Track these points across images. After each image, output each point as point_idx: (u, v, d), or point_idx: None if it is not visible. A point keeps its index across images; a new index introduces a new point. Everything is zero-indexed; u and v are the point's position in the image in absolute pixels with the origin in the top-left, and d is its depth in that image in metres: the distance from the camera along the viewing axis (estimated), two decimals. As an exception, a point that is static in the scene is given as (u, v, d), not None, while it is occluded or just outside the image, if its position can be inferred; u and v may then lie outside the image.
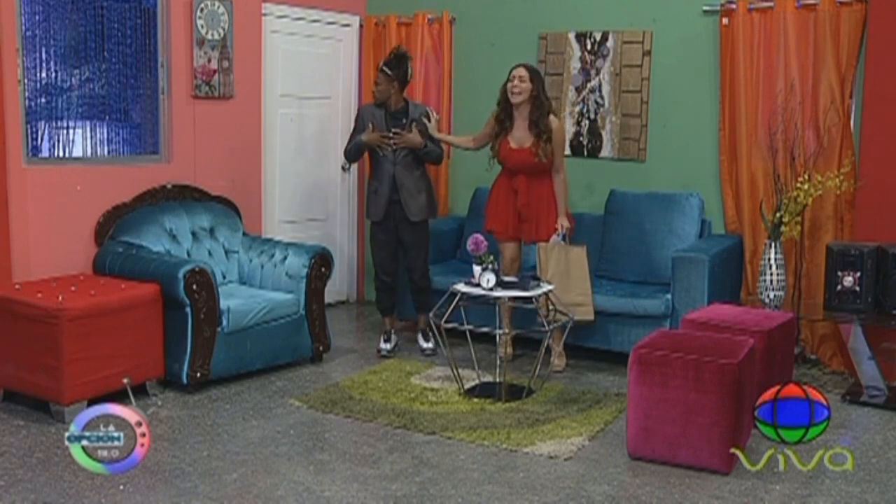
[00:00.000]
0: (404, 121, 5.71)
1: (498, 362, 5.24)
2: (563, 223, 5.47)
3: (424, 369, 5.53)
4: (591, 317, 5.40)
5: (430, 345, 5.89)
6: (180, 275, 4.84)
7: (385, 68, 5.65)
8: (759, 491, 3.82)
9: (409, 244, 5.83)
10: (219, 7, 5.95)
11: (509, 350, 5.63)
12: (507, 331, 5.36)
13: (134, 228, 5.38)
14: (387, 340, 5.90)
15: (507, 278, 5.16)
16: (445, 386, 5.19)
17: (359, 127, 5.79)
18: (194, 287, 4.88)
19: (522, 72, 5.40)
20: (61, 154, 5.41)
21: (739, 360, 3.93)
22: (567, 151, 6.06)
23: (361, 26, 7.10)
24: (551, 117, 5.44)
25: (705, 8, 5.92)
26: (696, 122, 6.02)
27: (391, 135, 5.65)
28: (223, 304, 5.06)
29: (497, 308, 5.36)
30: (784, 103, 5.58)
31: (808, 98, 5.58)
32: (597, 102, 6.33)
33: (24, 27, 5.10)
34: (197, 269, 4.90)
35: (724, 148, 5.89)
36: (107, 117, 5.66)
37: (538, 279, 5.19)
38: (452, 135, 6.39)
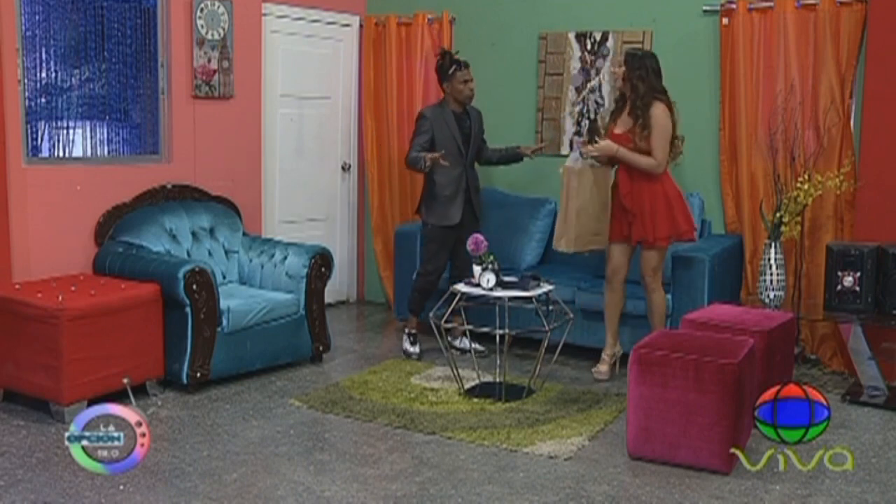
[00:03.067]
0: (468, 121, 5.76)
1: (498, 362, 5.23)
2: (598, 145, 5.08)
3: (424, 369, 5.53)
4: (604, 245, 5.28)
5: (472, 344, 5.67)
6: (180, 275, 4.84)
7: (466, 64, 5.69)
8: (759, 491, 3.82)
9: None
10: (219, 7, 5.95)
11: (605, 368, 5.42)
12: (507, 331, 5.30)
13: (134, 228, 5.38)
14: (414, 343, 5.79)
15: (507, 278, 5.13)
16: (445, 386, 5.19)
17: (424, 130, 5.64)
18: (194, 287, 4.88)
19: (621, 58, 5.32)
20: (61, 154, 5.42)
21: (739, 360, 3.93)
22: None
23: (361, 26, 7.10)
24: (655, 102, 5.06)
25: (705, 8, 5.92)
26: (696, 122, 6.01)
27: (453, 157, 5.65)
28: (223, 304, 5.06)
29: (497, 308, 5.32)
30: (784, 103, 5.58)
31: (808, 98, 5.58)
32: (597, 102, 6.33)
33: (24, 27, 5.10)
34: (197, 269, 4.90)
35: (724, 148, 5.89)
36: (107, 117, 5.66)
37: (538, 279, 5.18)
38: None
